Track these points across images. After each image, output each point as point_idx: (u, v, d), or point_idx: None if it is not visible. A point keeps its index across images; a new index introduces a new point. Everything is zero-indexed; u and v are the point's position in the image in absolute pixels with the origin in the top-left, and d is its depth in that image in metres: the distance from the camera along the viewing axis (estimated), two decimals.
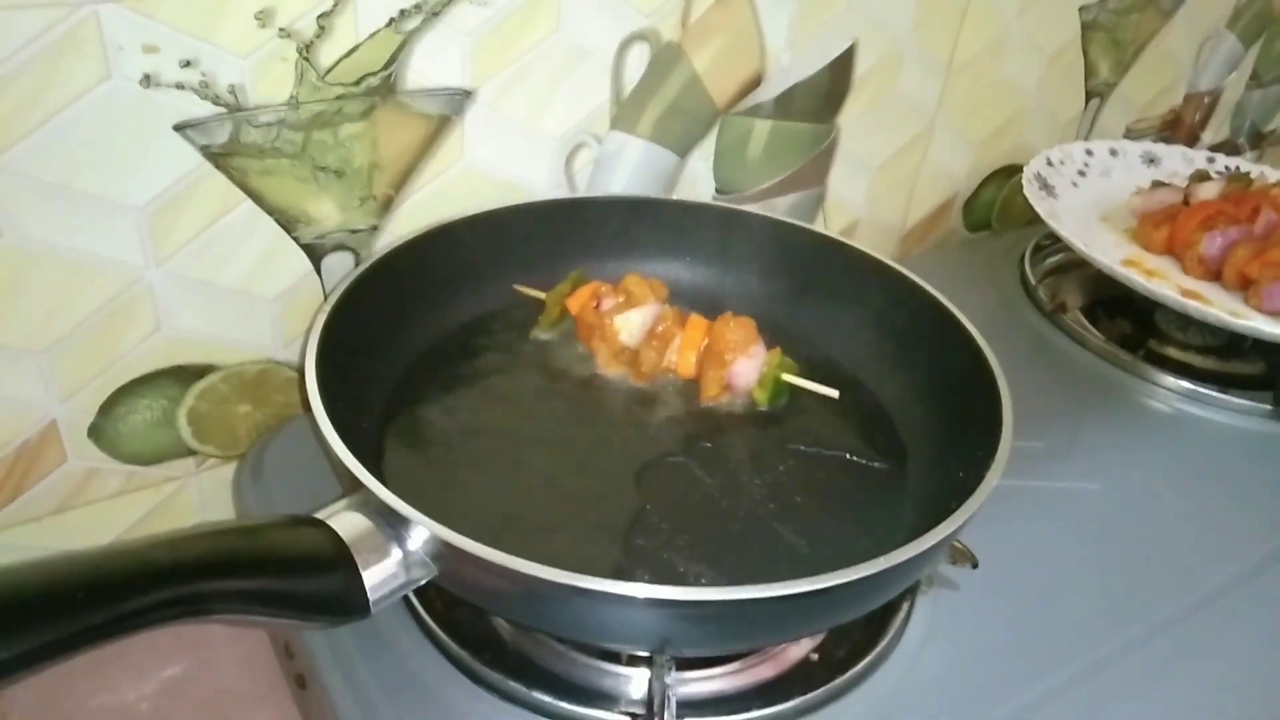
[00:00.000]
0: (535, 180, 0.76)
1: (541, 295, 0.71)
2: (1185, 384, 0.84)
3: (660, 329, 0.68)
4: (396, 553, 0.46)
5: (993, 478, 0.52)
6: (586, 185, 0.79)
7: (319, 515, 0.47)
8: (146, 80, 0.57)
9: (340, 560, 0.45)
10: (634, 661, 0.55)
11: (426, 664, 0.55)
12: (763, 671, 0.56)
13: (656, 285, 0.71)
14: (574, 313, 0.71)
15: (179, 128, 0.60)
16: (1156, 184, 1.00)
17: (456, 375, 0.68)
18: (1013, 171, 1.08)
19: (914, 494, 0.61)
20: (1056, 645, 0.60)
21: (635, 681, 0.55)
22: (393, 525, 0.47)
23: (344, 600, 0.44)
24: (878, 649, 0.57)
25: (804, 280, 0.74)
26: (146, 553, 0.40)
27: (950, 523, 0.48)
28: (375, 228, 0.71)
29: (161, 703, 0.67)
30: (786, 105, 0.85)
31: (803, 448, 0.64)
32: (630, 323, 0.69)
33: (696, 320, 0.68)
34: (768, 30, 0.80)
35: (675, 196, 0.83)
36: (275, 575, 0.42)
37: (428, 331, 0.69)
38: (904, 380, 0.67)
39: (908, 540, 0.48)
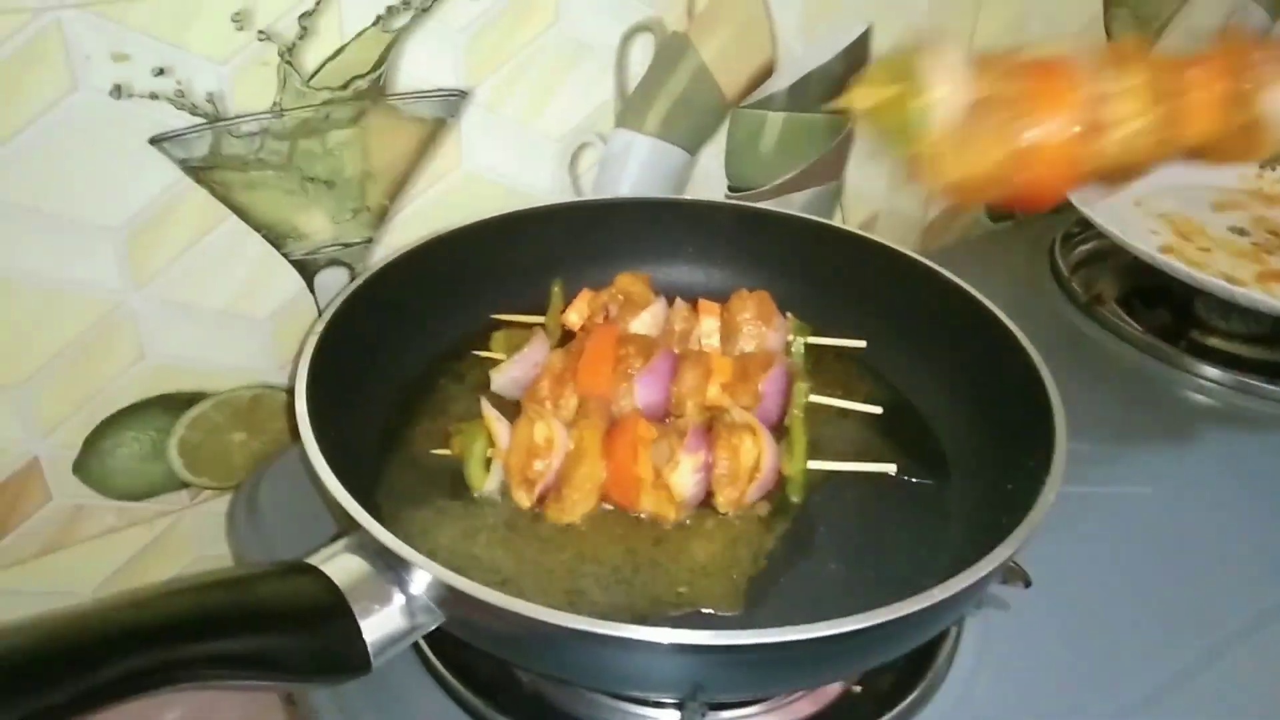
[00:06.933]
0: (538, 184, 0.72)
1: (537, 320, 0.67)
2: (1232, 375, 0.80)
3: (679, 327, 0.65)
4: (398, 598, 0.42)
5: (1050, 492, 0.47)
6: (592, 187, 0.75)
7: (311, 560, 0.42)
8: (117, 91, 0.53)
9: (335, 610, 0.41)
10: (661, 703, 0.51)
11: (436, 711, 0.51)
12: (802, 708, 0.52)
13: (645, 278, 0.67)
14: (577, 327, 0.66)
15: (155, 141, 0.56)
16: None
17: (458, 395, 0.63)
18: None
19: (959, 508, 0.57)
20: (1118, 666, 0.56)
21: None
22: (393, 568, 0.42)
23: (342, 655, 0.40)
24: (926, 680, 0.53)
25: (827, 281, 0.70)
26: (122, 614, 0.36)
27: (1009, 544, 0.44)
28: (370, 240, 0.67)
29: None
30: (800, 95, 0.80)
31: (840, 464, 0.59)
32: (644, 325, 0.65)
33: (707, 305, 0.65)
34: (778, 16, 0.76)
35: (686, 196, 0.79)
36: (260, 632, 0.38)
37: (428, 348, 0.65)
38: (942, 385, 0.62)
39: (955, 559, 0.44)
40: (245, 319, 0.64)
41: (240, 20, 0.55)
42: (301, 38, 0.57)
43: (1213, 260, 0.86)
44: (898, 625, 0.42)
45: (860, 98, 0.49)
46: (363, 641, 0.40)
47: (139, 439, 0.65)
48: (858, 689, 0.53)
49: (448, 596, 0.41)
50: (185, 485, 0.69)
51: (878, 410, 0.61)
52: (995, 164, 0.46)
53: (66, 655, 0.33)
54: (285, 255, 0.64)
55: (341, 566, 0.42)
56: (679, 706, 0.48)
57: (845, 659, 0.45)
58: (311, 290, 0.66)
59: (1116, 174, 0.48)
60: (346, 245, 0.66)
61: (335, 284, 0.66)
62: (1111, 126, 0.45)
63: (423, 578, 0.42)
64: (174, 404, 0.65)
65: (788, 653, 0.41)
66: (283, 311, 0.66)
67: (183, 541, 0.71)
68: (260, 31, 0.56)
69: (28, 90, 0.51)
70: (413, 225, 0.67)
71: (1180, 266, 0.78)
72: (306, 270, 0.65)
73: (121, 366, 0.62)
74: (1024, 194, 0.49)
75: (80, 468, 0.64)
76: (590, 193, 0.75)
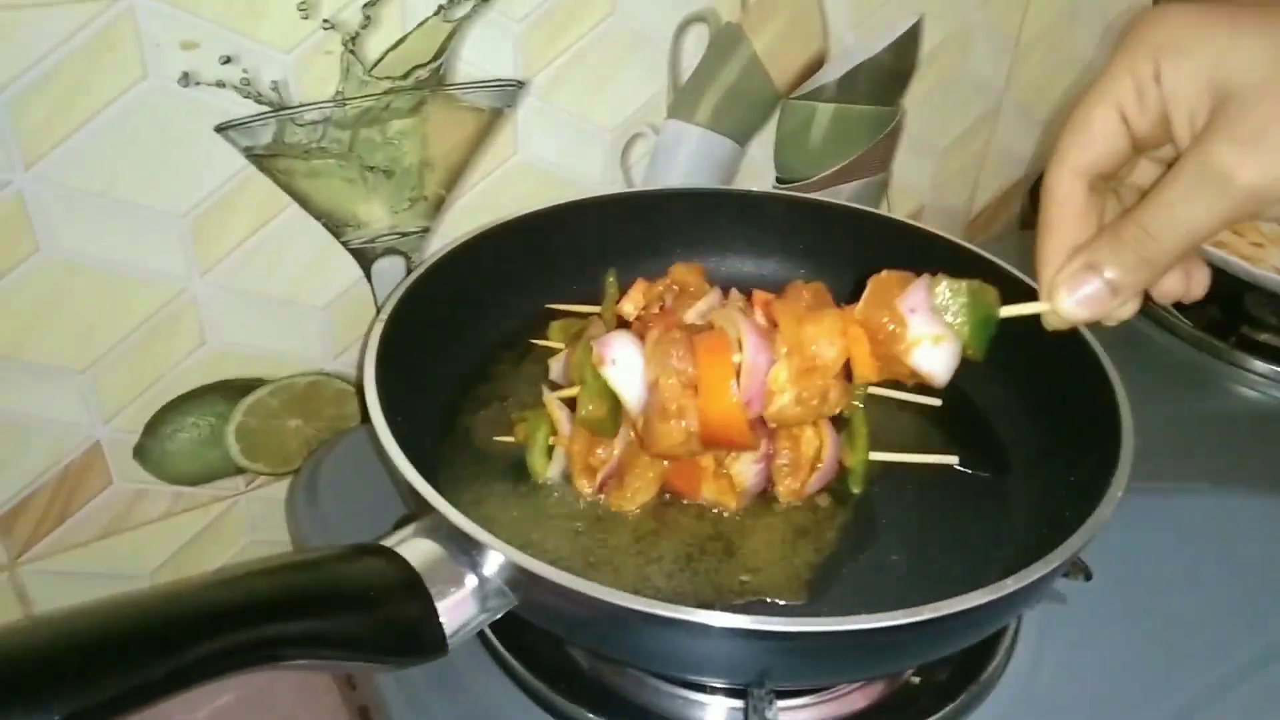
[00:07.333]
0: (591, 174, 0.72)
1: (593, 309, 0.67)
2: None
3: None
4: (471, 581, 0.43)
5: (1118, 486, 0.47)
6: (643, 178, 0.75)
7: (386, 543, 0.43)
8: (185, 79, 0.54)
9: (412, 592, 0.41)
10: (716, 690, 0.51)
11: (499, 694, 0.52)
12: (856, 700, 0.52)
13: (699, 269, 0.67)
14: (632, 317, 0.66)
15: (220, 129, 0.56)
16: None
17: (516, 383, 0.64)
18: None
19: (1019, 501, 0.57)
20: (1179, 662, 0.56)
21: (723, 710, 0.51)
22: (467, 552, 0.43)
23: (419, 637, 0.40)
24: (986, 672, 0.53)
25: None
26: (211, 593, 0.36)
27: (1079, 537, 0.44)
28: (427, 230, 0.67)
29: None
30: (850, 87, 0.80)
31: (903, 456, 0.59)
32: (700, 316, 0.64)
33: (761, 296, 0.64)
34: (830, 8, 0.76)
35: (736, 187, 0.79)
36: (342, 613, 0.38)
37: (486, 337, 0.65)
38: (1000, 376, 0.61)
39: (1017, 552, 0.44)
40: (303, 306, 0.65)
41: (306, 9, 0.56)
42: (365, 27, 0.58)
43: (1265, 255, 0.85)
44: (967, 616, 0.42)
45: (556, 397, 0.54)
46: (439, 624, 0.41)
47: (198, 424, 0.65)
48: (916, 680, 0.53)
49: (522, 580, 0.42)
50: (240, 471, 0.69)
51: (937, 402, 0.60)
52: (684, 438, 0.49)
53: (160, 634, 0.34)
54: (344, 244, 0.64)
55: (415, 549, 0.42)
56: (742, 694, 0.48)
57: (912, 649, 0.45)
58: (369, 279, 0.66)
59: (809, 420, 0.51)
60: (404, 234, 0.66)
61: (392, 273, 0.67)
62: (776, 394, 0.49)
63: (496, 560, 0.42)
64: (232, 390, 0.66)
65: (857, 641, 0.41)
66: (340, 300, 0.66)
67: (236, 527, 0.71)
68: (325, 20, 0.56)
69: (100, 77, 0.52)
70: (468, 215, 0.67)
71: (1234, 261, 0.77)
72: (364, 259, 0.66)
73: (183, 352, 0.62)
74: (729, 449, 0.53)
75: (140, 452, 0.64)
76: (640, 183, 0.75)
